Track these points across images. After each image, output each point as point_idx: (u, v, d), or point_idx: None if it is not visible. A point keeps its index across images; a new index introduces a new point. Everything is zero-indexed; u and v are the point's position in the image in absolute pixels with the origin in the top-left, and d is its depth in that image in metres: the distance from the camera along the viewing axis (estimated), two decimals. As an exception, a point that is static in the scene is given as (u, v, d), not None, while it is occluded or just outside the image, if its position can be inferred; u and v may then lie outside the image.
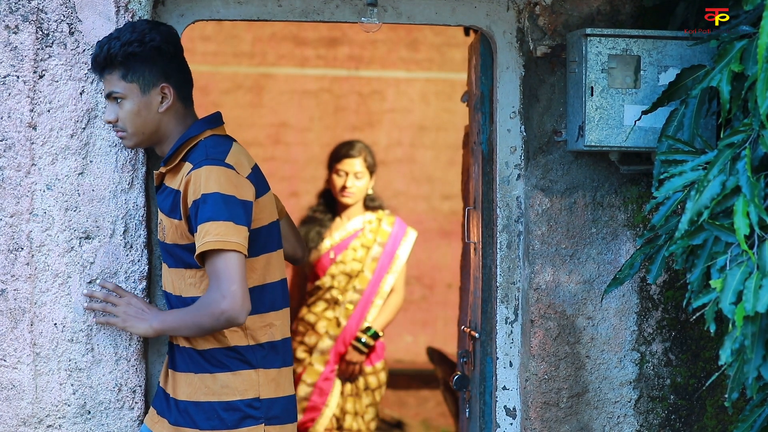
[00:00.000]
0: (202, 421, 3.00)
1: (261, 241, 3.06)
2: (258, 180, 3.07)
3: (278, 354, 3.08)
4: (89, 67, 3.15)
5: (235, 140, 3.12)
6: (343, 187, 5.33)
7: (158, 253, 3.30)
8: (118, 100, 3.03)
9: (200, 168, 2.96)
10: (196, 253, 2.93)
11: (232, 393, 3.00)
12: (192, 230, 2.97)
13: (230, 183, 2.96)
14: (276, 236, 3.13)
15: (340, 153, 5.39)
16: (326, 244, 5.34)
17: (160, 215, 3.09)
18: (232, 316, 2.91)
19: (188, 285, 3.04)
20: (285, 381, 3.09)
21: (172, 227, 3.03)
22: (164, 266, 3.12)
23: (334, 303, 5.33)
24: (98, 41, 3.06)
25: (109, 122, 3.06)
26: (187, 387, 3.03)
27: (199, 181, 2.94)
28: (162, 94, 3.04)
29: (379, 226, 5.34)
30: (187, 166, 3.01)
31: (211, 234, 2.90)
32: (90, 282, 3.17)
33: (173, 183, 3.05)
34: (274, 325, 3.08)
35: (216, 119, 3.14)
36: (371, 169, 5.38)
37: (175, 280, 3.07)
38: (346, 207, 5.37)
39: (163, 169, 3.07)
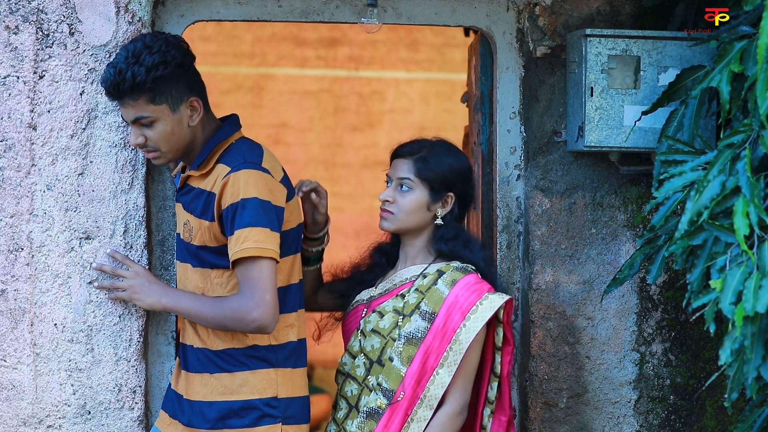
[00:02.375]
0: (218, 421, 2.99)
1: (288, 243, 3.06)
2: (287, 183, 3.08)
3: (295, 354, 3.08)
4: (89, 67, 3.15)
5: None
6: (385, 202, 3.17)
7: (158, 254, 3.30)
8: (148, 123, 2.97)
9: (239, 171, 2.95)
10: (233, 258, 2.92)
11: (250, 391, 3.00)
12: (224, 232, 2.96)
13: (267, 188, 2.96)
14: (300, 239, 3.14)
15: (394, 150, 3.27)
16: (364, 294, 3.21)
17: (186, 216, 3.06)
18: (263, 325, 2.92)
19: (215, 285, 3.02)
20: (301, 381, 3.10)
21: (202, 229, 3.00)
22: (185, 266, 3.09)
23: (348, 404, 3.13)
24: (113, 66, 2.95)
25: (138, 145, 3.00)
26: (203, 387, 3.02)
27: (238, 184, 2.93)
28: (191, 107, 3.01)
29: (434, 283, 3.07)
30: (222, 168, 2.99)
31: (249, 240, 2.90)
32: (90, 282, 3.17)
33: (203, 184, 3.02)
34: (294, 326, 3.08)
35: (238, 121, 3.14)
36: (433, 184, 3.12)
37: (198, 280, 3.05)
38: (405, 242, 3.18)
39: (195, 173, 3.04)
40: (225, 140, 3.05)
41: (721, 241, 2.78)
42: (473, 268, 3.08)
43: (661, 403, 3.47)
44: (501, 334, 3.04)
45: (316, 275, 3.33)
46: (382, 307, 3.07)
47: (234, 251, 2.91)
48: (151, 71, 2.90)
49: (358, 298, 3.17)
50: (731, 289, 2.66)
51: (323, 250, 3.33)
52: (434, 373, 2.97)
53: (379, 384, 3.02)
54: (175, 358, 3.30)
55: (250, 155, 3.00)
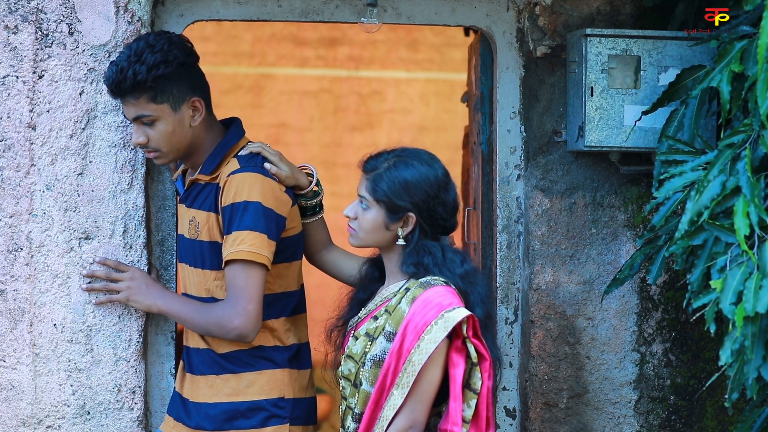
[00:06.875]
0: (225, 422, 2.99)
1: (292, 249, 3.06)
2: (291, 193, 3.07)
3: (299, 356, 3.09)
4: (88, 67, 3.15)
5: None
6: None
7: (158, 254, 3.30)
8: (149, 122, 2.97)
9: (247, 173, 2.95)
10: (226, 259, 2.92)
11: (257, 392, 3.00)
12: (222, 230, 2.96)
13: (273, 195, 2.96)
14: (301, 246, 3.14)
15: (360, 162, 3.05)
16: (355, 317, 3.03)
17: (191, 213, 3.05)
18: (242, 335, 2.92)
19: (216, 287, 3.02)
20: (306, 383, 3.10)
21: (210, 222, 3.00)
22: (186, 268, 3.08)
23: (341, 423, 3.01)
24: (115, 64, 2.96)
25: (139, 144, 3.00)
26: (208, 389, 3.02)
27: (244, 185, 2.93)
28: (192, 108, 3.01)
29: (399, 302, 2.88)
30: (233, 163, 2.99)
31: (246, 243, 2.90)
32: (90, 283, 3.17)
33: (210, 178, 3.03)
34: (296, 329, 3.10)
35: (242, 126, 3.14)
36: (388, 204, 2.89)
37: (201, 281, 3.04)
38: (383, 258, 3.01)
39: (207, 178, 3.03)
40: (235, 145, 3.06)
41: (722, 241, 2.78)
42: (443, 280, 2.84)
43: (661, 403, 3.47)
44: (473, 349, 2.78)
45: (318, 227, 3.18)
46: (359, 331, 2.91)
47: (229, 251, 2.91)
48: (152, 70, 2.91)
49: (351, 321, 2.99)
50: (731, 289, 2.66)
51: (320, 202, 3.17)
52: (389, 394, 2.78)
53: (351, 408, 2.87)
54: (175, 360, 3.30)
55: (261, 159, 3.01)
